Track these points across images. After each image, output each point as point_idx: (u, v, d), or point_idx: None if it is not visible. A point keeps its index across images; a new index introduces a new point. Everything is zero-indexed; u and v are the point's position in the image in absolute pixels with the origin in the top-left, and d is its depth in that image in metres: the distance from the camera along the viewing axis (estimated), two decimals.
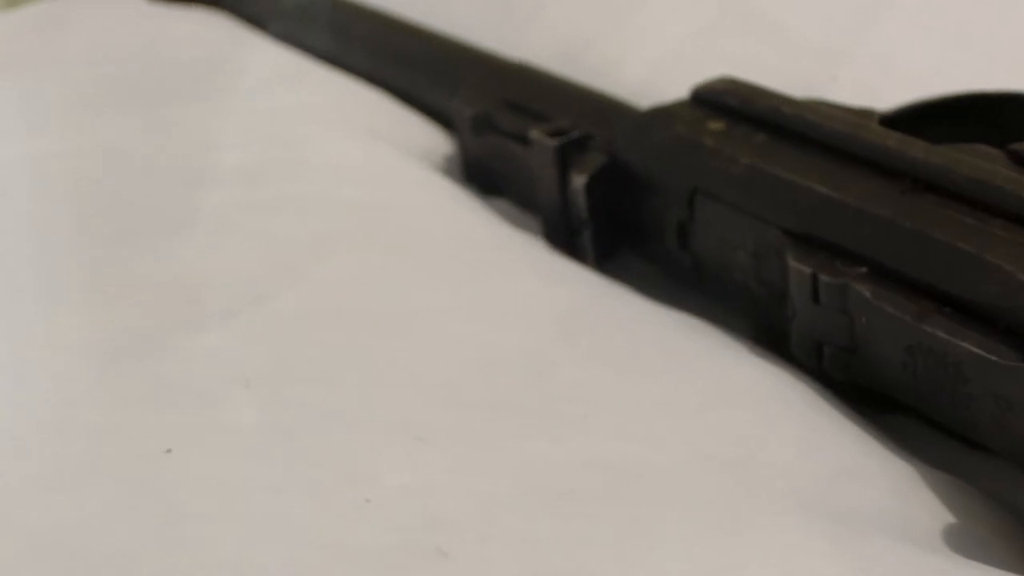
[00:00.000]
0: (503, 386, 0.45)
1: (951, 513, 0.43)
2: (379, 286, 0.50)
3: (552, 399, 0.44)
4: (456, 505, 0.39)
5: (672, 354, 0.48)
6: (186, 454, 0.41)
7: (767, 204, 0.49)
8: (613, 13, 0.73)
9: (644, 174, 0.54)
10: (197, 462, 0.41)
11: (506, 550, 0.38)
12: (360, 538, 0.38)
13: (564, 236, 0.58)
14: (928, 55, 0.63)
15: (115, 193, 0.59)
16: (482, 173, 0.63)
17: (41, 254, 0.54)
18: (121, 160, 0.61)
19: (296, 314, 0.49)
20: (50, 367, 0.46)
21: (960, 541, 0.42)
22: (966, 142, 0.47)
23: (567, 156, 0.57)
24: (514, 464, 0.41)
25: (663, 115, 0.55)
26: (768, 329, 0.50)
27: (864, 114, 0.50)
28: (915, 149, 0.46)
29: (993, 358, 0.41)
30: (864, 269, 0.45)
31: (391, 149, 0.62)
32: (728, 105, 0.53)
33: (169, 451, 0.41)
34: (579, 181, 0.56)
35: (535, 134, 0.58)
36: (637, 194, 0.55)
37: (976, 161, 0.45)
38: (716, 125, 0.53)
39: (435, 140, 0.66)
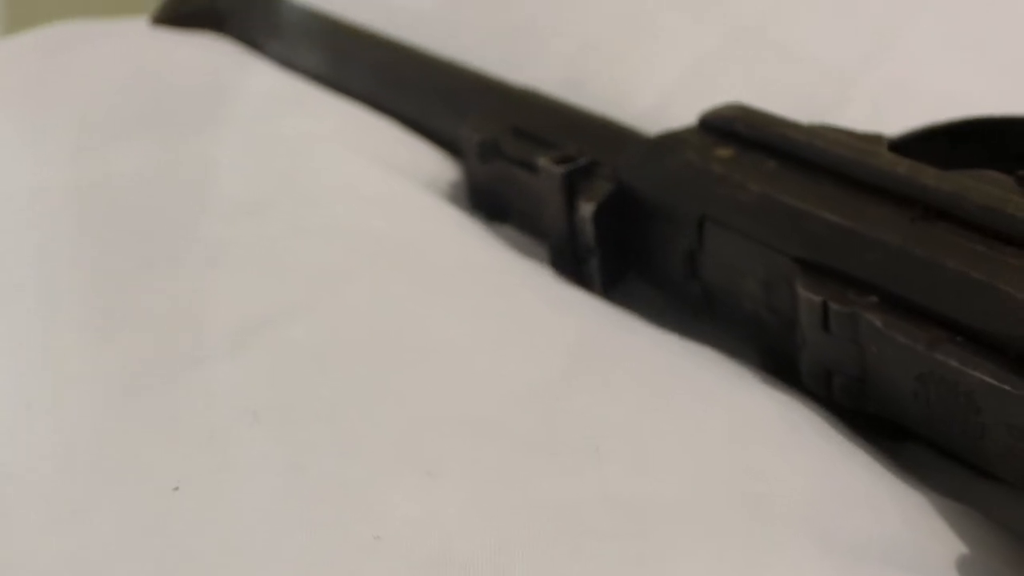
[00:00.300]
0: (515, 419, 0.45)
1: (964, 543, 0.43)
2: (388, 318, 0.50)
3: (564, 432, 0.44)
4: (467, 543, 0.39)
5: (683, 385, 0.47)
6: (193, 491, 0.41)
7: (777, 232, 0.49)
8: (622, 39, 0.73)
9: (652, 201, 0.54)
10: (204, 499, 0.41)
11: None
12: None
13: (571, 263, 0.58)
14: (940, 79, 0.63)
15: (122, 224, 0.58)
16: (489, 200, 0.63)
17: (48, 286, 0.54)
18: (127, 190, 0.61)
19: (305, 346, 0.49)
20: (58, 402, 0.46)
21: (974, 572, 0.42)
22: (976, 167, 0.47)
23: (574, 184, 0.57)
24: (526, 501, 0.41)
25: (671, 142, 0.55)
26: (778, 357, 0.50)
27: (873, 140, 0.50)
28: (925, 176, 0.46)
29: (1006, 387, 0.41)
30: (875, 298, 0.45)
31: (399, 177, 0.62)
32: (737, 132, 0.53)
33: (176, 488, 0.41)
34: (586, 209, 0.56)
35: (542, 161, 0.58)
36: (645, 222, 0.55)
37: (987, 188, 0.45)
38: (725, 152, 0.53)
39: (441, 167, 0.66)
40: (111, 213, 0.60)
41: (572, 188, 0.57)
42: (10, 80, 0.79)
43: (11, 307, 0.52)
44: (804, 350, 0.47)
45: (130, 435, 0.44)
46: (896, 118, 0.53)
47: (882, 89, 0.63)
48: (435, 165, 0.66)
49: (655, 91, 0.68)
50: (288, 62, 0.79)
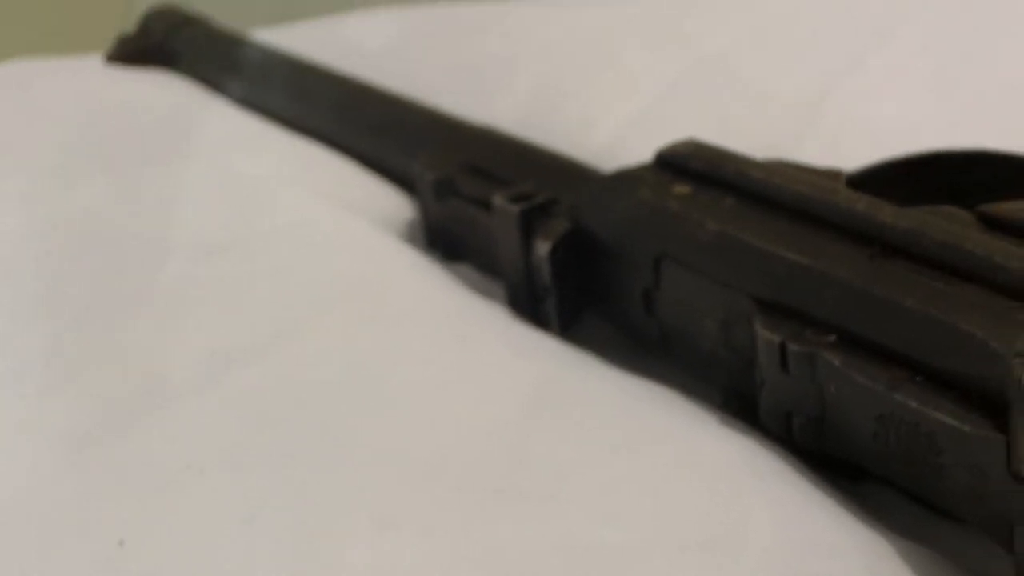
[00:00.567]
0: (471, 465, 0.44)
1: None
2: (343, 361, 0.50)
3: (521, 478, 0.44)
4: None
5: (641, 428, 0.47)
6: (138, 545, 0.40)
7: (735, 271, 0.48)
8: (580, 74, 0.73)
9: (609, 240, 0.54)
10: (149, 554, 0.40)
11: None
12: None
13: (528, 303, 0.57)
14: (899, 112, 0.63)
15: (77, 267, 0.58)
16: (445, 239, 0.63)
17: (1, 331, 0.54)
18: (84, 233, 0.61)
19: (258, 392, 0.48)
20: (7, 453, 0.46)
21: None
22: (935, 203, 0.46)
23: (530, 222, 0.56)
24: (483, 550, 0.40)
25: (627, 179, 0.54)
26: (737, 397, 0.50)
27: (832, 175, 0.50)
28: (884, 213, 0.46)
29: (966, 428, 0.40)
30: (833, 337, 0.44)
31: (355, 216, 0.62)
32: (693, 169, 0.53)
33: (121, 543, 0.40)
34: (543, 248, 0.55)
35: (498, 200, 0.57)
36: (602, 260, 0.54)
37: (946, 224, 0.45)
38: (682, 189, 0.52)
39: (398, 205, 0.66)
40: (65, 256, 0.59)
41: (528, 227, 0.56)
42: None
43: None
44: (763, 390, 0.47)
45: (78, 488, 0.44)
46: (855, 152, 0.53)
47: (840, 123, 0.63)
48: (391, 204, 0.66)
49: (612, 127, 0.68)
50: (245, 100, 0.78)
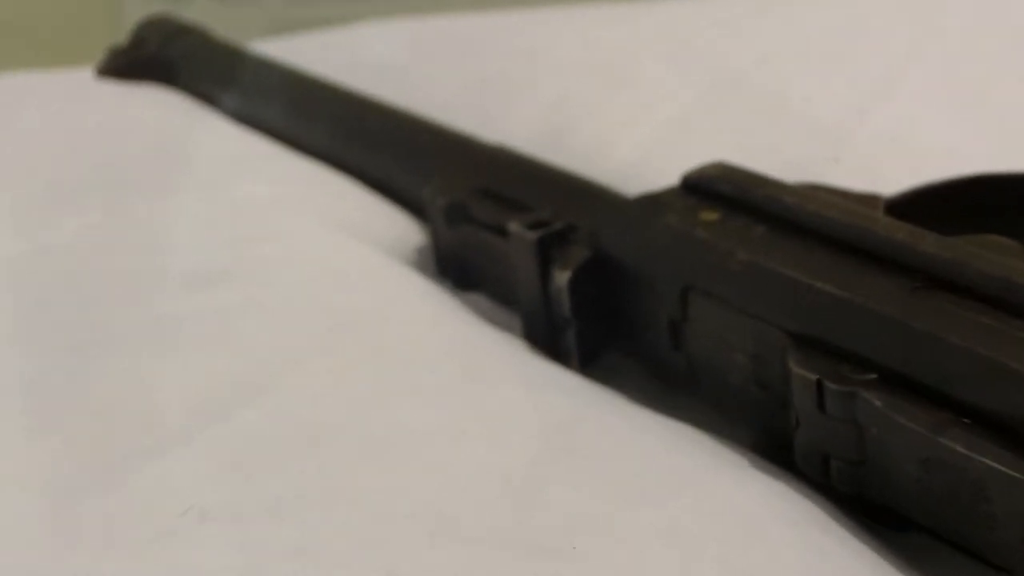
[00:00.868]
0: (485, 515, 0.43)
1: None
2: (347, 402, 0.49)
3: (539, 529, 0.43)
4: None
5: (668, 473, 0.46)
6: None
7: (767, 303, 0.48)
8: (598, 90, 0.72)
9: (632, 269, 0.53)
10: None
11: None
12: None
13: (546, 335, 0.57)
14: (936, 133, 0.62)
15: (62, 299, 0.57)
16: (456, 266, 0.62)
17: None
18: (73, 264, 0.60)
19: (258, 435, 0.47)
20: None
21: None
22: (979, 230, 0.46)
23: (548, 250, 0.56)
24: None
25: (652, 204, 0.54)
26: (769, 437, 0.49)
27: (869, 201, 0.50)
28: (926, 242, 0.46)
29: (1017, 475, 0.39)
30: (874, 375, 0.44)
31: (360, 244, 0.61)
32: (722, 193, 0.52)
33: None
34: (561, 277, 0.55)
35: (514, 226, 0.57)
36: (625, 291, 0.54)
37: (992, 255, 0.44)
38: (710, 215, 0.52)
39: (406, 231, 0.65)
40: (50, 289, 0.58)
41: (546, 254, 0.56)
42: None
43: None
44: (798, 431, 0.46)
45: (71, 541, 0.43)
46: (892, 176, 0.52)
47: (876, 144, 0.63)
48: (399, 229, 0.65)
49: (633, 146, 0.67)
50: (244, 116, 0.78)
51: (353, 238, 0.62)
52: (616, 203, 0.57)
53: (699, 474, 0.47)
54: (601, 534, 0.43)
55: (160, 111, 0.79)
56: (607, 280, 0.54)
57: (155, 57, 0.86)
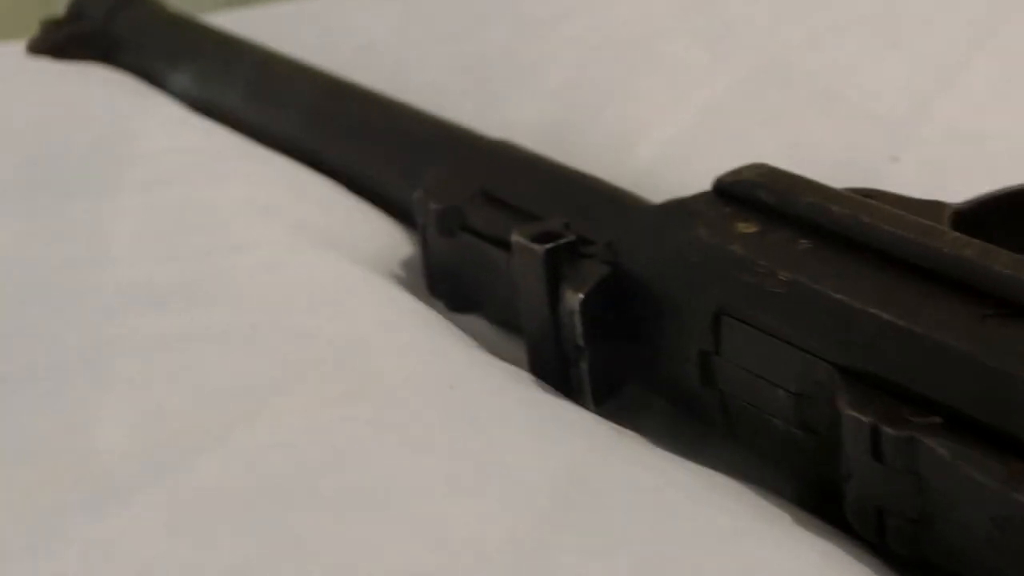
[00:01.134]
0: None
1: None
2: (323, 449, 0.49)
3: None
4: None
5: (695, 532, 0.47)
6: None
7: (813, 331, 0.48)
8: (617, 74, 0.73)
9: (656, 290, 0.54)
10: None
11: None
12: None
13: (555, 367, 0.57)
14: (1014, 127, 0.63)
15: None
16: (451, 284, 0.63)
17: None
18: (5, 279, 0.60)
19: (217, 489, 0.47)
20: None
21: None
22: None
23: (558, 266, 0.56)
24: None
25: (680, 213, 0.55)
26: (816, 489, 0.50)
27: (933, 210, 0.50)
28: (1000, 261, 0.46)
29: None
30: (938, 419, 0.44)
31: (338, 256, 0.62)
32: (762, 201, 0.53)
33: None
34: (573, 299, 0.55)
35: (518, 236, 0.57)
36: (647, 315, 0.54)
37: None
38: (747, 227, 0.52)
39: (391, 240, 0.66)
40: None
41: (555, 271, 0.56)
42: None
43: None
44: (849, 482, 0.47)
45: None
46: (959, 177, 0.52)
47: (940, 141, 0.63)
48: (383, 239, 0.66)
49: (658, 142, 0.68)
50: (200, 101, 0.79)
51: (329, 249, 0.62)
52: (638, 211, 0.58)
53: (734, 531, 0.47)
54: None
55: (102, 94, 0.80)
56: (626, 302, 0.55)
57: (97, 31, 0.86)
